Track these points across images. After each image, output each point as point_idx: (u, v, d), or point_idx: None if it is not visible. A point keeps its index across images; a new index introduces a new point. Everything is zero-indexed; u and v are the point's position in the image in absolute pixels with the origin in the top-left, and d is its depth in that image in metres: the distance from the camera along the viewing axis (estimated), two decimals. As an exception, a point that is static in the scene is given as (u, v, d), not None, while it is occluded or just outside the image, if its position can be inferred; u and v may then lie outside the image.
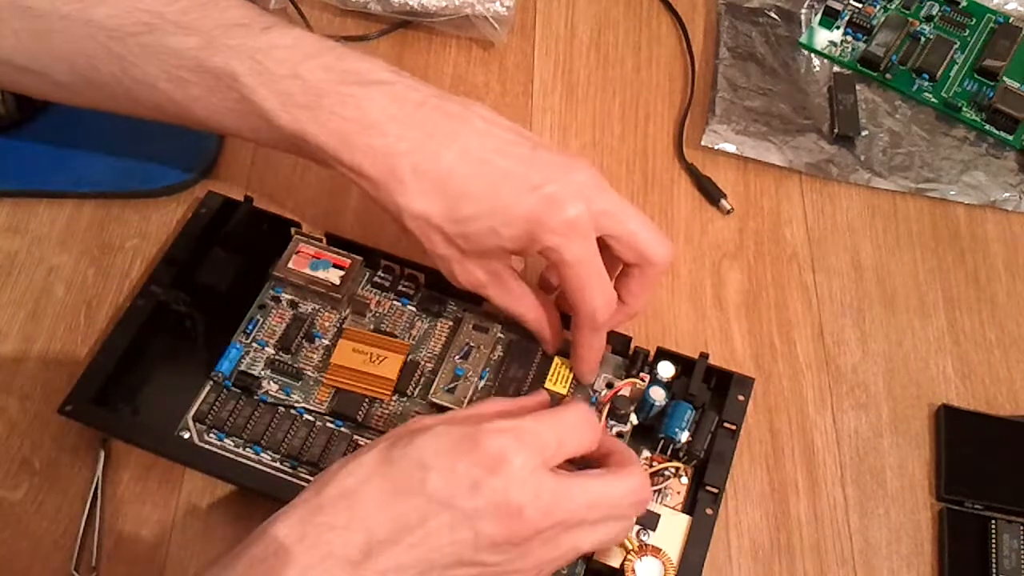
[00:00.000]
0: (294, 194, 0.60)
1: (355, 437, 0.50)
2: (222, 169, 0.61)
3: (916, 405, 0.55)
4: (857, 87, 0.66)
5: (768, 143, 0.64)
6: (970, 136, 0.65)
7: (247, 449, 0.50)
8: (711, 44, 0.69)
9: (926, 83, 0.66)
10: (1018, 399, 0.56)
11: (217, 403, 0.50)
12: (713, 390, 0.52)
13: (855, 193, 0.63)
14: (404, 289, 0.55)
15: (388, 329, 0.54)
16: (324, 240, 0.55)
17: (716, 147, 0.63)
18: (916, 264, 0.60)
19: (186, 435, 0.50)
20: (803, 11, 0.70)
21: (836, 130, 0.64)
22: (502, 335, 0.54)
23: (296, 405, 0.51)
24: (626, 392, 0.51)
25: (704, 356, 0.51)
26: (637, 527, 0.47)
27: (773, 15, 0.69)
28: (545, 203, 0.44)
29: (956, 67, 0.67)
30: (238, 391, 0.51)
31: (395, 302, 0.55)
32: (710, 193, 0.62)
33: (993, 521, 0.51)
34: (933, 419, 0.55)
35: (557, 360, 0.52)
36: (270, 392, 0.51)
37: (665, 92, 0.67)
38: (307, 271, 0.53)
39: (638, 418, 0.51)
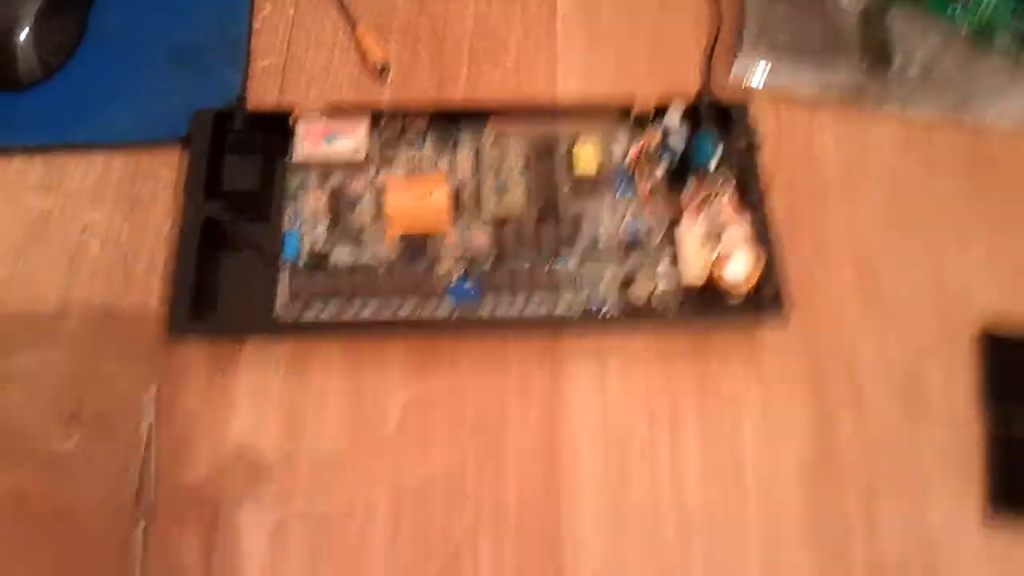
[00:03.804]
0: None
1: (434, 269, 0.54)
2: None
3: (959, 329, 0.55)
4: (889, 13, 0.64)
5: (799, 74, 0.63)
6: (1006, 59, 0.63)
7: (349, 305, 0.53)
8: (737, -24, 0.68)
9: (961, 5, 0.65)
10: (1062, 320, 0.55)
11: (302, 286, 0.53)
12: (721, 120, 0.57)
13: (889, 120, 0.62)
14: (414, 135, 0.57)
15: (417, 173, 0.57)
16: (323, 116, 0.57)
17: (745, 81, 0.63)
18: (954, 189, 0.59)
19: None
20: (831, -61, 0.68)
21: (868, 58, 0.63)
22: (520, 143, 0.57)
23: (371, 264, 0.54)
24: (649, 148, 0.56)
25: (703, 91, 0.58)
26: (707, 246, 0.53)
27: (800, -56, 0.68)
28: None
29: (990, -11, 0.65)
30: (313, 270, 0.54)
31: (411, 150, 0.57)
32: (741, 126, 0.62)
33: (1041, 441, 0.50)
34: (977, 342, 0.54)
35: (576, 148, 0.57)
36: (341, 260, 0.54)
37: (691, 28, 0.66)
38: (323, 148, 0.56)
39: (666, 166, 0.56)
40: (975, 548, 0.49)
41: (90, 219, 0.57)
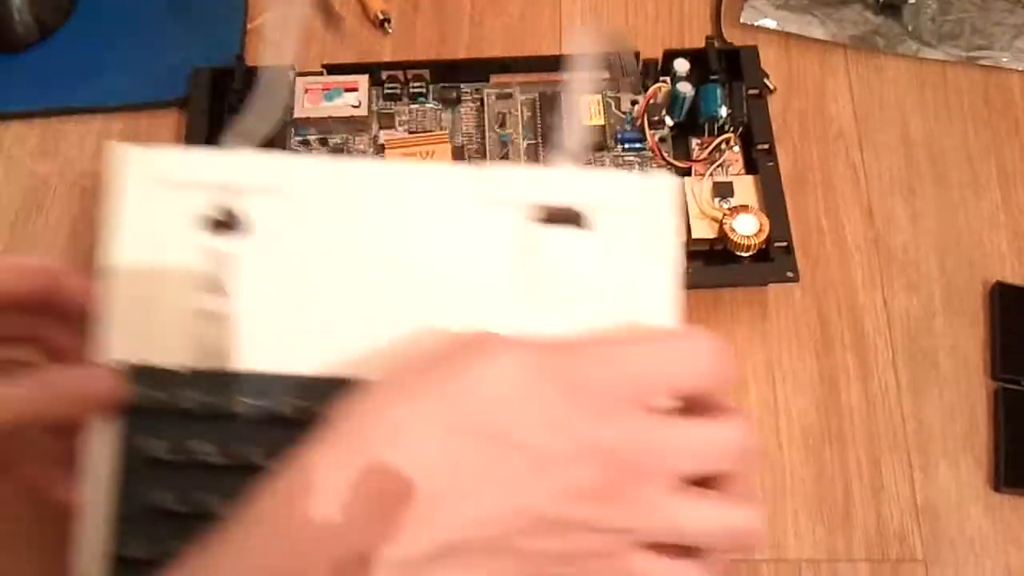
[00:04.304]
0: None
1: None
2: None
3: (969, 283, 0.54)
4: (903, -49, 0.62)
5: (810, 16, 0.61)
6: (1025, -3, 0.62)
7: None
8: (747, -87, 0.65)
9: (977, -58, 0.63)
10: (1076, 273, 0.54)
11: None
12: (729, 68, 0.57)
13: (903, 65, 0.60)
14: (416, 90, 0.57)
15: (419, 130, 0.56)
16: (324, 72, 0.56)
17: (756, 24, 0.61)
18: (968, 136, 0.58)
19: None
20: None
21: (882, -1, 0.61)
22: (524, 95, 0.57)
23: None
24: (656, 99, 0.56)
25: (710, 39, 0.57)
26: (717, 198, 0.53)
27: None
28: None
29: (1009, -78, 0.63)
30: None
31: (413, 105, 0.57)
32: (751, 72, 0.60)
33: (1050, 399, 0.50)
34: (987, 297, 0.54)
35: (587, 99, 0.56)
36: None
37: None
38: (324, 105, 0.55)
39: (673, 118, 0.56)
40: (980, 514, 0.49)
41: (90, 184, 0.56)
